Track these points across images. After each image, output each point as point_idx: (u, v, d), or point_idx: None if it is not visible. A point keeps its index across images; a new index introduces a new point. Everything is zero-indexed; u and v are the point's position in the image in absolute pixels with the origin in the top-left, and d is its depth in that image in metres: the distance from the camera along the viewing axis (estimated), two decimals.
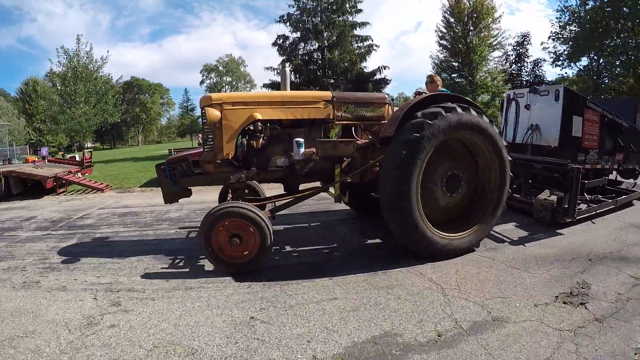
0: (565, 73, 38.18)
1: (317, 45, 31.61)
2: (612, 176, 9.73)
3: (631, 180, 10.04)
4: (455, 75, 38.67)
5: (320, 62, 31.68)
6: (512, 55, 37.29)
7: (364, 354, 3.45)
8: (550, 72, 37.79)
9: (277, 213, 6.49)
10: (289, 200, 6.36)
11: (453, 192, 6.19)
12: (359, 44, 31.74)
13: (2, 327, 4.22)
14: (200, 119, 6.60)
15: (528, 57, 36.87)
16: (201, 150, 6.48)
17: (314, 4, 31.28)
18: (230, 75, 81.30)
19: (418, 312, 4.19)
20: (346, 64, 30.39)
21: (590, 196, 8.35)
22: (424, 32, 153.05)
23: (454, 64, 38.54)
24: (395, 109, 6.62)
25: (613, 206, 8.36)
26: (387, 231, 5.88)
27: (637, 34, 29.68)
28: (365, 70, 31.40)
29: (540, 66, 36.47)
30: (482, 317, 4.01)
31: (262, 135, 6.11)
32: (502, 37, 37.00)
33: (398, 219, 5.56)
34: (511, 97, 9.21)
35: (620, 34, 30.83)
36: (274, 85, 30.11)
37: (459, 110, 5.65)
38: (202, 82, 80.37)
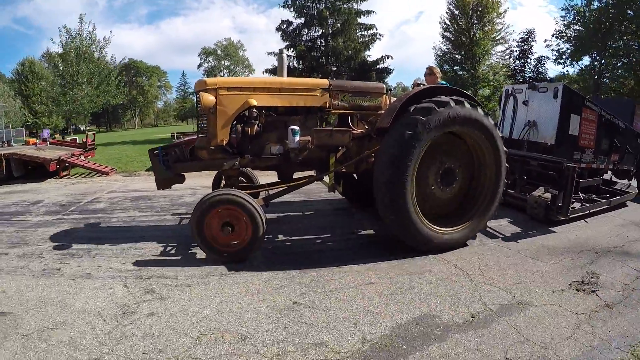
0: (567, 71, 38.45)
1: (320, 32, 31.23)
2: (606, 176, 9.76)
3: (626, 181, 10.05)
4: (457, 67, 38.46)
5: (323, 49, 31.39)
6: (516, 51, 37.44)
7: (409, 334, 3.68)
8: (553, 70, 38.23)
9: (275, 200, 6.46)
10: (282, 188, 6.31)
11: (448, 185, 6.17)
12: (363, 33, 31.38)
13: (28, 319, 4.08)
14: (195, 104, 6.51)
15: (532, 54, 36.98)
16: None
17: None
18: (228, 60, 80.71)
19: (450, 295, 4.49)
20: (350, 52, 30.16)
21: (584, 195, 8.34)
22: (424, 22, 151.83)
23: (456, 56, 38.33)
24: (393, 99, 6.57)
25: (607, 206, 8.37)
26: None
27: (639, 36, 29.78)
28: (368, 59, 31.12)
29: (544, 64, 36.60)
30: (508, 300, 4.36)
31: (257, 122, 6.05)
32: (506, 32, 36.99)
33: (393, 214, 5.54)
34: (509, 92, 9.15)
35: (623, 36, 30.97)
36: (276, 71, 29.75)
37: (453, 104, 5.60)
38: (199, 65, 79.85)
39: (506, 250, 6.06)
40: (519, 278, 4.97)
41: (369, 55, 31.20)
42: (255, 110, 5.98)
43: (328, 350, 3.46)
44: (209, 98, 5.72)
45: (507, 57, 38.26)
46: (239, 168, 6.12)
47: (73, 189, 11.97)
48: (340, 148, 6.23)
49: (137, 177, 14.25)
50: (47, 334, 3.78)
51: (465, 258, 5.67)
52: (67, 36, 31.90)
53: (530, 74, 36.14)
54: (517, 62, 37.63)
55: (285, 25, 31.54)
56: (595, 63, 34.00)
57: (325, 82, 6.38)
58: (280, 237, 6.74)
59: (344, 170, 6.38)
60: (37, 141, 21.17)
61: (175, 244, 6.29)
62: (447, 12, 37.57)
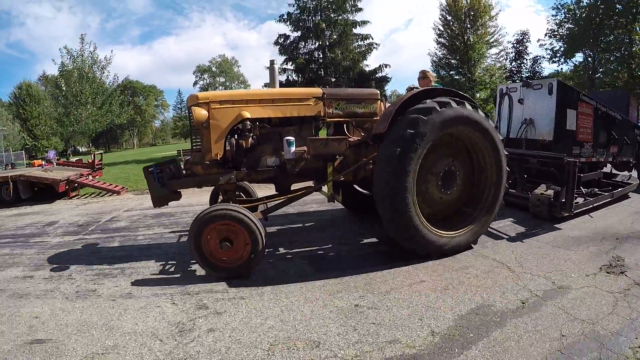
0: (561, 69, 38.76)
1: (317, 44, 31.46)
2: (606, 169, 9.70)
3: (626, 173, 9.99)
4: (453, 72, 38.93)
5: (321, 61, 31.59)
6: (511, 52, 37.78)
7: (471, 323, 3.89)
8: (549, 69, 38.70)
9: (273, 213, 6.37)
10: (281, 200, 6.23)
11: (450, 188, 6.08)
12: (359, 43, 31.65)
13: (72, 345, 3.90)
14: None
15: (528, 54, 37.26)
16: None
17: (314, 3, 31.06)
18: (223, 76, 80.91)
19: (497, 286, 4.73)
20: (348, 63, 30.36)
21: (586, 189, 8.27)
22: (414, 29, 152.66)
23: (452, 61, 38.80)
24: (388, 105, 6.51)
25: (610, 199, 8.29)
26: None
27: (630, 30, 30.00)
28: (366, 68, 31.32)
29: (540, 63, 36.96)
30: (550, 286, 4.66)
31: (252, 134, 5.98)
32: (499, 35, 37.59)
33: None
34: (504, 91, 9.12)
35: (614, 31, 31.22)
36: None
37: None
38: (195, 83, 79.97)
39: (536, 242, 6.30)
40: (554, 266, 5.26)
41: (367, 65, 31.47)
42: (248, 122, 5.90)
43: (403, 345, 3.58)
44: (201, 112, 5.66)
45: (502, 59, 38.84)
46: (236, 182, 6.05)
47: (86, 208, 11.87)
48: (337, 157, 6.15)
49: (149, 194, 14.16)
50: (98, 359, 3.66)
51: (501, 252, 5.93)
52: (69, 57, 32.03)
53: (527, 74, 36.28)
54: (514, 63, 37.85)
55: (282, 39, 31.69)
56: (589, 59, 34.25)
57: (318, 90, 6.30)
58: (301, 247, 6.69)
59: (342, 179, 6.28)
60: (43, 163, 21.10)
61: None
62: (440, 18, 38.32)
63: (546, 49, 36.72)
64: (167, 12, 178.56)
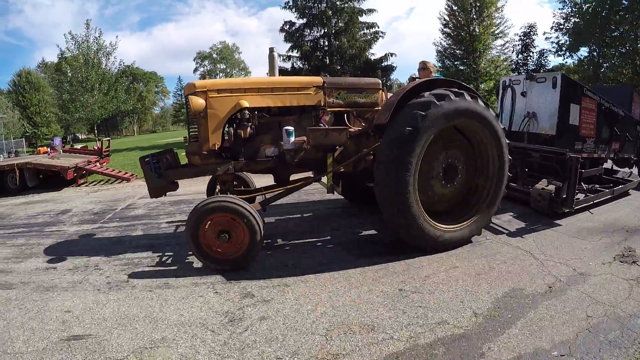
0: (566, 62, 38.80)
1: (323, 31, 31.38)
2: (607, 165, 9.64)
3: (627, 169, 9.91)
4: (458, 62, 38.88)
5: (326, 48, 31.54)
6: (518, 45, 37.71)
7: (508, 305, 4.18)
8: (555, 62, 38.70)
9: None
10: (279, 191, 6.13)
11: (451, 181, 6.02)
12: (365, 31, 31.60)
13: (115, 340, 3.79)
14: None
15: (534, 47, 37.20)
16: None
17: None
18: (224, 63, 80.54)
19: (525, 272, 5.01)
20: (354, 51, 30.27)
21: (587, 186, 8.20)
22: (416, 18, 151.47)
23: (457, 51, 38.69)
24: (390, 94, 6.40)
25: (610, 196, 8.23)
26: None
27: (636, 26, 29.97)
28: (372, 57, 31.37)
29: (546, 57, 36.94)
30: (571, 272, 4.96)
31: (250, 124, 5.86)
32: (505, 26, 37.35)
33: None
34: (507, 83, 9.01)
35: (619, 26, 31.16)
36: (281, 72, 29.82)
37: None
38: (195, 69, 79.64)
39: (553, 232, 6.53)
40: (573, 254, 5.55)
41: (372, 54, 31.48)
42: (247, 111, 5.79)
43: (451, 326, 3.80)
44: (198, 102, 5.57)
45: (507, 50, 38.70)
46: (234, 172, 5.95)
47: (98, 196, 11.75)
48: (337, 147, 6.06)
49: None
50: (148, 354, 3.56)
51: (523, 240, 6.17)
52: (74, 42, 31.74)
53: (533, 67, 36.20)
54: (520, 55, 37.74)
55: (287, 26, 31.58)
56: (594, 53, 34.18)
57: (319, 79, 6.19)
58: (322, 237, 6.72)
59: (342, 170, 6.19)
60: (49, 150, 20.91)
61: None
62: (446, 8, 38.07)
63: (552, 42, 36.96)
64: None
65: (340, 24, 30.94)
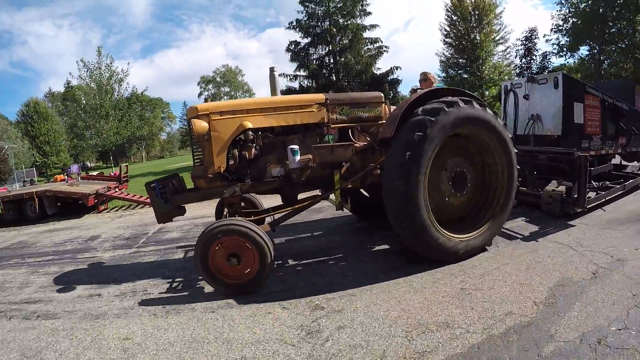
0: (567, 62, 39.09)
1: (327, 49, 31.59)
2: (615, 160, 9.57)
3: (635, 163, 9.83)
4: (461, 71, 39.23)
5: (332, 66, 31.75)
6: (521, 49, 38.02)
7: (562, 292, 4.48)
8: (557, 63, 38.70)
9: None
10: (288, 211, 6.09)
11: (461, 190, 5.97)
12: (369, 47, 31.81)
13: (205, 358, 3.82)
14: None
15: (537, 50, 37.40)
16: None
17: (323, 9, 31.23)
18: (228, 86, 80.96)
19: (568, 262, 5.33)
20: (360, 67, 30.47)
21: (597, 183, 8.13)
22: (413, 30, 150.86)
23: (460, 60, 39.05)
24: (393, 107, 6.39)
25: (621, 191, 8.15)
26: None
27: (633, 21, 30.18)
28: (378, 72, 31.47)
29: (549, 59, 37.18)
30: (610, 260, 5.27)
31: (254, 144, 5.86)
32: (505, 32, 37.86)
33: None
34: (509, 87, 8.99)
35: (616, 22, 31.33)
36: (290, 92, 30.04)
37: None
38: (200, 94, 80.00)
39: (584, 226, 6.80)
40: (607, 244, 5.86)
41: (378, 68, 31.64)
42: (251, 132, 5.78)
43: (517, 316, 4.07)
44: (201, 125, 5.59)
45: (509, 55, 39.09)
46: (240, 195, 5.92)
47: (124, 221, 11.72)
48: (343, 163, 6.03)
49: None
50: None
51: (559, 235, 6.45)
52: (86, 69, 32.03)
53: (537, 70, 36.23)
54: (523, 59, 37.88)
55: (293, 46, 31.83)
56: (595, 51, 34.27)
57: (321, 96, 6.19)
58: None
59: (350, 186, 6.16)
60: (65, 177, 20.99)
61: (297, 262, 6.35)
62: (445, 19, 38.63)
63: (552, 44, 37.15)
64: (166, 25, 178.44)
65: (345, 41, 31.18)
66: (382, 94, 6.61)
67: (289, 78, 31.61)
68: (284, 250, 6.98)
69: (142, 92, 37.71)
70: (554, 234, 6.51)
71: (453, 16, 37.82)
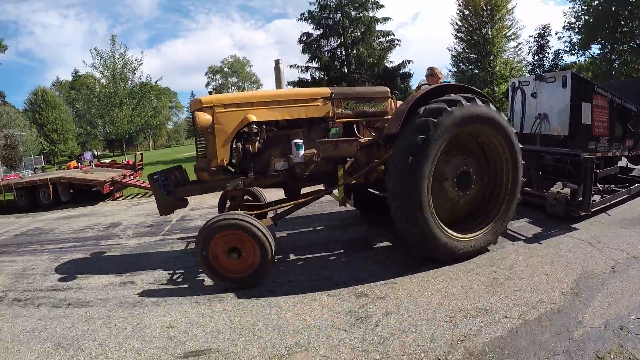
0: (578, 60, 38.84)
1: (339, 41, 31.67)
2: (621, 163, 9.47)
3: None
4: (473, 66, 39.14)
5: (344, 58, 31.78)
6: (533, 46, 38.15)
7: (585, 284, 4.78)
8: (569, 61, 38.58)
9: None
10: (290, 206, 6.05)
11: (465, 189, 5.92)
12: (381, 40, 31.85)
13: (245, 351, 3.80)
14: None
15: (550, 47, 37.34)
16: None
17: (335, 0, 31.28)
18: (235, 76, 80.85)
19: (588, 257, 5.61)
20: (372, 60, 30.58)
21: (602, 186, 8.05)
22: (421, 24, 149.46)
23: (471, 55, 38.93)
24: (399, 103, 6.34)
25: (627, 195, 8.07)
26: None
27: None
28: (390, 65, 31.61)
29: (562, 57, 37.29)
30: (626, 256, 5.56)
31: (258, 138, 5.82)
32: (517, 28, 37.60)
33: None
34: (516, 85, 8.88)
35: (629, 21, 31.23)
36: (302, 84, 30.11)
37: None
38: (207, 84, 80.00)
39: (601, 224, 7.07)
40: (623, 241, 6.14)
41: (390, 62, 31.78)
42: (255, 126, 5.73)
43: (548, 303, 4.37)
44: (205, 117, 5.56)
45: (520, 52, 38.90)
46: (243, 188, 5.89)
47: (143, 209, 11.74)
48: (347, 159, 5.98)
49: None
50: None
51: (577, 231, 6.72)
52: (99, 58, 31.99)
53: (549, 68, 36.06)
54: (536, 57, 37.67)
55: (305, 37, 31.92)
56: (606, 50, 34.07)
57: (326, 90, 6.13)
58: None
59: (353, 182, 6.12)
60: (79, 165, 21.03)
61: (329, 251, 6.49)
62: (457, 13, 38.62)
63: (565, 41, 36.99)
64: (173, 15, 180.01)
65: (357, 34, 31.20)
66: (388, 89, 6.52)
67: (300, 69, 31.81)
68: (327, 239, 7.26)
69: (156, 82, 37.61)
70: (573, 230, 6.73)
71: (465, 10, 37.74)
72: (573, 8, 35.43)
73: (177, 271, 6.06)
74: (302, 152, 5.70)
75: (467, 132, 5.76)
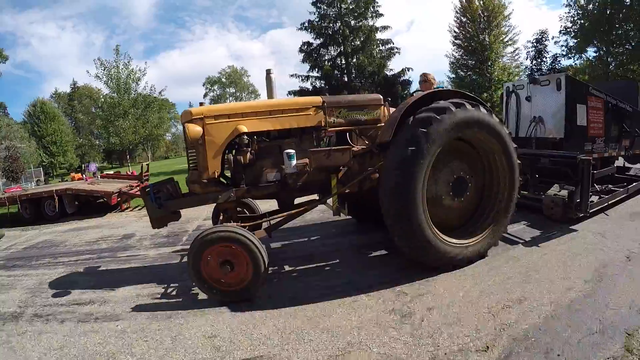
0: (575, 63, 39.35)
1: (339, 50, 31.78)
2: (618, 162, 9.47)
3: (639, 165, 9.67)
4: (471, 73, 39.37)
5: (343, 67, 31.90)
6: (531, 51, 38.29)
7: (605, 273, 5.16)
8: (566, 64, 38.93)
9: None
10: (284, 217, 5.98)
11: (461, 195, 5.87)
12: (381, 48, 31.97)
13: (299, 355, 3.84)
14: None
15: (547, 52, 37.86)
16: None
17: (335, 10, 31.37)
18: (233, 87, 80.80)
19: (604, 249, 5.95)
20: (371, 68, 30.68)
21: (600, 187, 8.00)
22: (416, 31, 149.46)
23: (469, 62, 39.20)
24: (392, 110, 6.29)
25: (625, 195, 8.02)
26: None
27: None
28: (391, 72, 31.68)
29: (559, 61, 37.65)
30: (638, 246, 5.93)
31: (250, 149, 5.73)
32: (514, 34, 37.91)
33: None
34: (511, 89, 8.87)
35: (623, 24, 31.84)
36: (302, 93, 30.08)
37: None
38: (205, 94, 79.85)
39: (610, 219, 7.43)
40: (634, 233, 6.55)
41: (391, 69, 31.84)
42: (246, 136, 5.67)
43: (575, 291, 4.72)
44: (195, 129, 5.48)
45: (518, 57, 39.20)
46: (235, 200, 5.81)
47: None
48: (341, 168, 5.91)
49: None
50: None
51: (589, 225, 7.06)
52: (102, 69, 31.97)
53: (546, 72, 36.18)
54: (534, 61, 37.89)
55: (305, 47, 31.98)
56: (601, 52, 34.58)
57: (318, 99, 6.05)
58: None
59: (347, 191, 6.04)
60: (84, 176, 20.87)
61: (358, 257, 6.56)
62: (455, 20, 38.89)
63: (561, 46, 37.56)
64: (169, 26, 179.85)
65: (357, 42, 31.35)
66: (381, 96, 6.43)
67: (301, 78, 31.84)
68: (350, 242, 7.41)
69: (160, 92, 37.65)
70: (585, 226, 7.02)
71: (462, 18, 38.04)
72: (569, 12, 35.91)
73: None
74: (294, 162, 5.59)
75: (460, 137, 5.71)
